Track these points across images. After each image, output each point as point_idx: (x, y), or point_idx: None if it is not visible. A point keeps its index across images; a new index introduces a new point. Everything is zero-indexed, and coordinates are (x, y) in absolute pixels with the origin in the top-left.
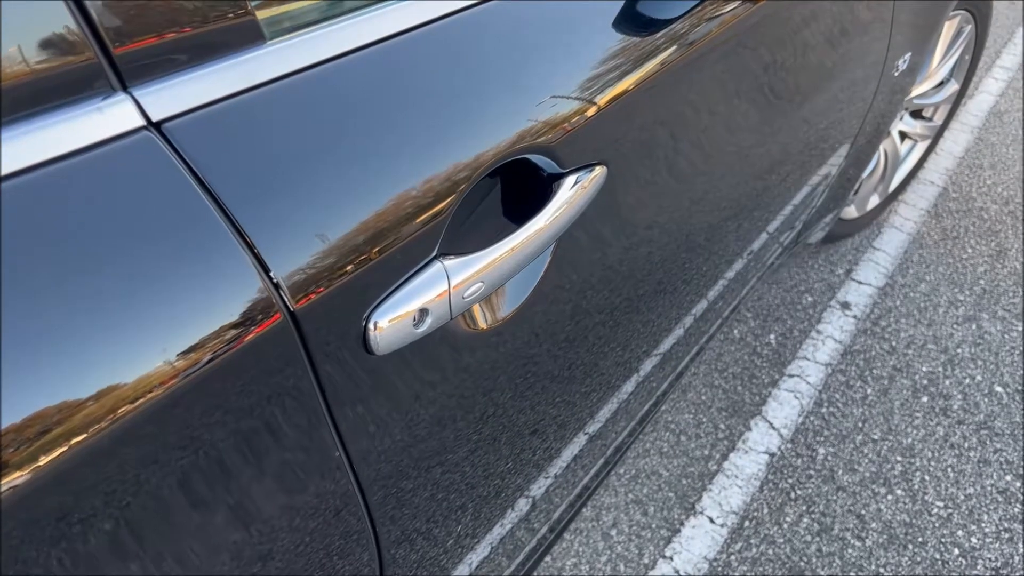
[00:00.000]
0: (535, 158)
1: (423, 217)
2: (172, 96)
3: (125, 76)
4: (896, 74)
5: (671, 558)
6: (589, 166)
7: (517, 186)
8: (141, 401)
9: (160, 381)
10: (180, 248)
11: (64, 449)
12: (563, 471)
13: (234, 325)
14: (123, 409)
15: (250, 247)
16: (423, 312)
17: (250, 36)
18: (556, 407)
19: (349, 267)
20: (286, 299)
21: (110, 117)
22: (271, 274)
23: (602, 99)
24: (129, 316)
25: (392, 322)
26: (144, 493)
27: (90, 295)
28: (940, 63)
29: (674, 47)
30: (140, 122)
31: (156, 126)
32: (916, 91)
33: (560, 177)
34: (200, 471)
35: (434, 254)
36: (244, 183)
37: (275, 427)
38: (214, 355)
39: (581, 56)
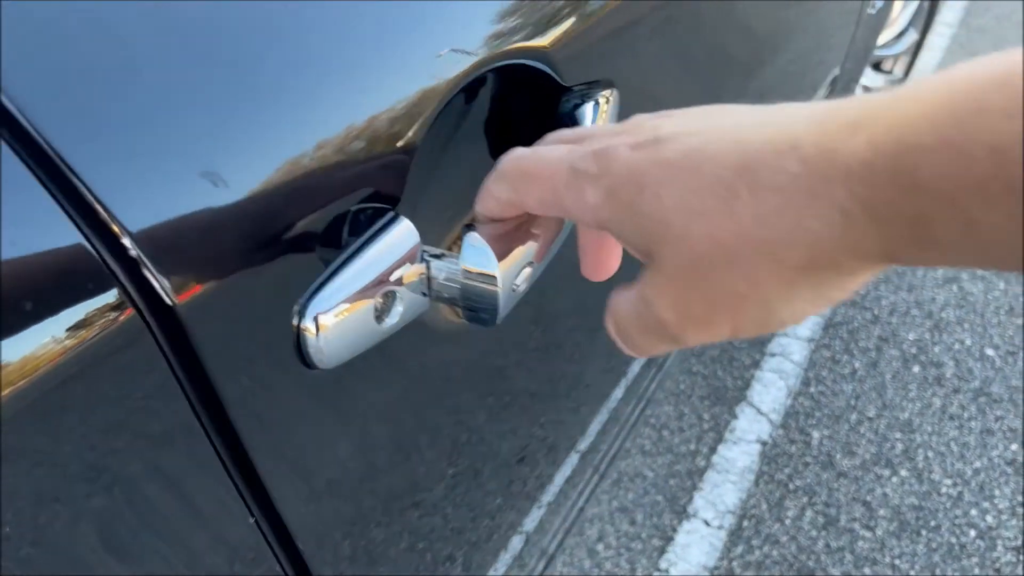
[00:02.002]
0: (537, 65)
1: (378, 148)
2: None
3: None
4: (873, 12)
5: (667, 570)
6: (594, 83)
7: (508, 104)
8: None
9: None
10: None
11: None
12: (556, 496)
13: (72, 331)
14: None
15: (86, 203)
16: (389, 297)
17: None
18: (543, 428)
19: (265, 231)
20: (161, 289)
21: None
22: (124, 242)
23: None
24: None
25: (341, 316)
26: None
27: None
28: (902, 10)
29: None
30: None
31: None
32: (879, 40)
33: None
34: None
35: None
36: (65, 92)
37: (161, 494)
38: (38, 378)
39: None
